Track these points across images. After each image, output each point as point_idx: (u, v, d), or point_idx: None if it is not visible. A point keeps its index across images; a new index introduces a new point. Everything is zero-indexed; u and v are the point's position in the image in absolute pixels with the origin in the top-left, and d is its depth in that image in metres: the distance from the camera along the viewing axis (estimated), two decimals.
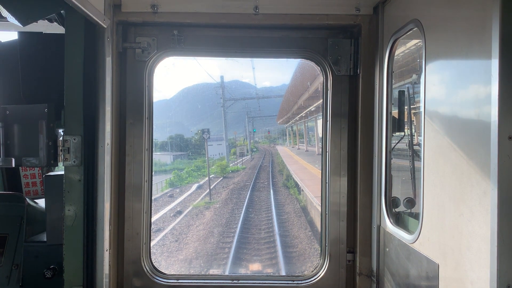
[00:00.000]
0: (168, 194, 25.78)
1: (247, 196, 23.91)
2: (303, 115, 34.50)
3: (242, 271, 12.56)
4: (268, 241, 14.95)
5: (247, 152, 44.44)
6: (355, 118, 4.17)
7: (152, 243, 4.35)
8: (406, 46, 6.00)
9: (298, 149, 42.88)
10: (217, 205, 22.77)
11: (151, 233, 4.32)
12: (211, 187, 26.96)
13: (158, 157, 39.09)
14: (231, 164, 39.22)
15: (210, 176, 31.46)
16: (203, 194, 25.67)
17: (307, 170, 27.77)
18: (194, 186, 28.48)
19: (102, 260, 3.71)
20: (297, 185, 24.32)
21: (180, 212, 20.36)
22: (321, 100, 4.38)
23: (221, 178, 31.84)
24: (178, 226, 17.91)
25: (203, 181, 29.72)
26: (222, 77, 40.36)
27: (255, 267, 12.86)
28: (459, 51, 2.59)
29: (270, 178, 30.52)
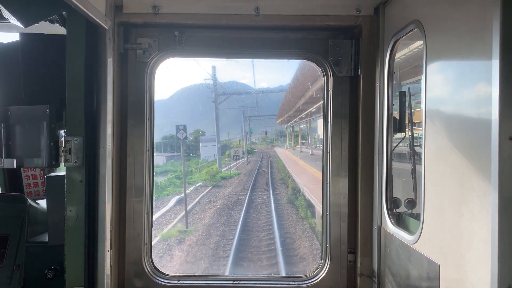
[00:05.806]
0: None
1: (240, 220, 17.46)
2: (309, 112, 31.24)
3: None
4: None
5: (243, 154, 41.67)
6: (356, 119, 4.17)
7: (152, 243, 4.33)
8: (409, 48, 5.99)
9: (301, 152, 40.40)
10: (194, 238, 15.93)
11: (152, 234, 4.32)
12: (195, 202, 20.12)
13: None
14: (224, 169, 34.44)
15: (197, 185, 25.49)
16: (179, 216, 19.01)
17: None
18: (173, 201, 21.91)
19: (103, 260, 3.71)
20: (310, 206, 17.86)
21: None
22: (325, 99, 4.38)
23: (210, 187, 26.14)
24: None
25: (188, 190, 23.40)
26: (214, 67, 34.36)
27: None
28: (460, 52, 2.60)
29: (271, 190, 24.34)
